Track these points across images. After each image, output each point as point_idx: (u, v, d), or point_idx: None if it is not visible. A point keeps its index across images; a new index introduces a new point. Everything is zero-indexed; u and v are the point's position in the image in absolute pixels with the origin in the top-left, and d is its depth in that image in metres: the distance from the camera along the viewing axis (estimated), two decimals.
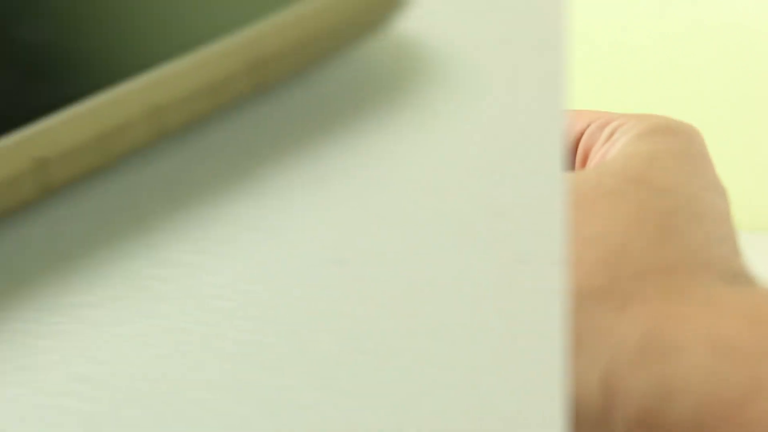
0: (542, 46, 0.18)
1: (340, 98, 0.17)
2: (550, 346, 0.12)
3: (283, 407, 0.11)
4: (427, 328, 0.12)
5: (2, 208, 0.13)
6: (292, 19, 0.15)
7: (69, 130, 0.13)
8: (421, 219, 0.14)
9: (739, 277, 0.18)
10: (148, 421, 0.10)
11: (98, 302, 0.12)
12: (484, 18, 0.19)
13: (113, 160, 0.14)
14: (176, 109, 0.14)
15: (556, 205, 0.15)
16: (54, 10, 0.15)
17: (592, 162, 0.24)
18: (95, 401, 0.11)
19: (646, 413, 0.15)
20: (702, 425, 0.14)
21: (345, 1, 0.16)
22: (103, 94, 0.13)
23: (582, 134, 0.24)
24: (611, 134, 0.23)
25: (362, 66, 0.17)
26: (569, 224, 0.19)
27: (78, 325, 0.12)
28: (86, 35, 0.14)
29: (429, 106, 0.17)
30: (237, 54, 0.14)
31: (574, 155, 0.25)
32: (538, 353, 0.12)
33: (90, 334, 0.12)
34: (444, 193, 0.15)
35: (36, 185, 0.13)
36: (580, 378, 0.16)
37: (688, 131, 0.21)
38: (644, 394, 0.15)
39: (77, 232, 0.14)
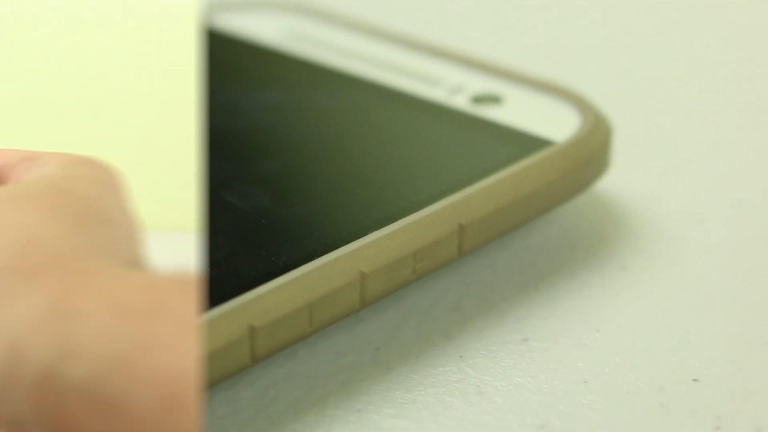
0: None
1: (542, 256, 0.17)
2: None
3: None
4: None
5: (217, 376, 0.13)
6: (504, 183, 0.16)
7: (282, 299, 0.13)
8: (621, 383, 0.14)
9: (139, 265, 0.19)
10: None
11: None
12: (688, 181, 0.20)
13: (322, 327, 0.14)
14: (381, 276, 0.14)
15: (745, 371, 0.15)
16: (264, 179, 0.16)
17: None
18: None
19: (48, 372, 0.15)
20: (98, 381, 0.14)
21: (550, 167, 0.17)
22: (311, 263, 0.14)
23: (12, 169, 0.26)
24: (40, 169, 0.25)
25: (565, 224, 0.18)
26: None
27: None
28: (299, 204, 0.15)
29: (630, 268, 0.17)
30: (445, 218, 0.15)
31: None
32: None
33: None
34: (645, 357, 0.15)
35: (250, 353, 0.13)
36: None
37: (105, 166, 0.23)
38: (47, 354, 0.15)
39: (287, 396, 0.14)
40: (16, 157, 0.27)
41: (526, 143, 0.17)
